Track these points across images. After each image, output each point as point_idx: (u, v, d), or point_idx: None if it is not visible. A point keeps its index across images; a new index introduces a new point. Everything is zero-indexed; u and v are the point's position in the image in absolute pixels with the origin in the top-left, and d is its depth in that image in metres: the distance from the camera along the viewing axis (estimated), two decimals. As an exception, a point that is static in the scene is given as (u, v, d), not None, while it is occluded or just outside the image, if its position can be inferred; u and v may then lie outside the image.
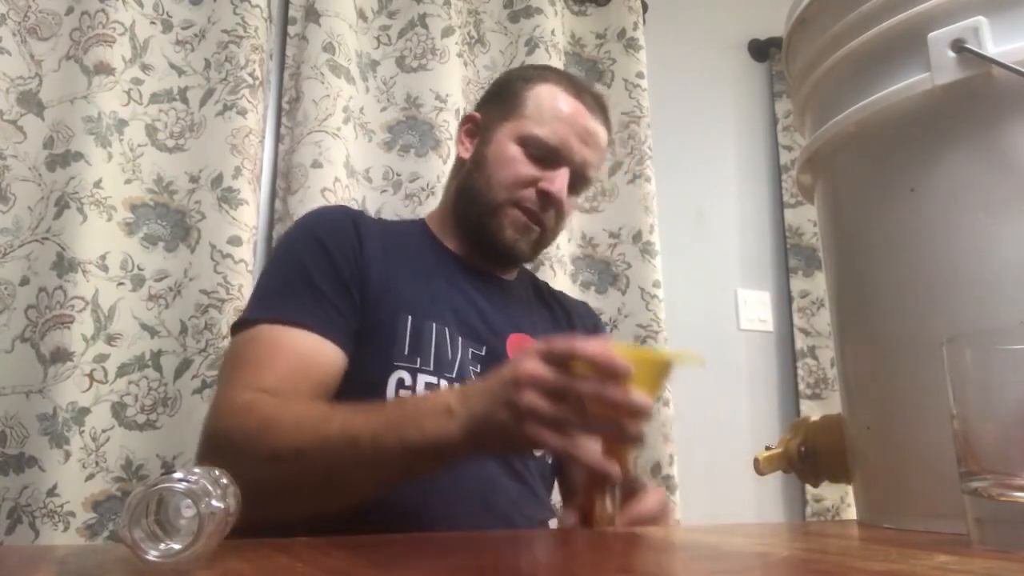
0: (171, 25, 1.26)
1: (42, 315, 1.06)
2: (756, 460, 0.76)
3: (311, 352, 0.78)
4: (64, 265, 1.07)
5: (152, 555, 0.35)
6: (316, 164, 1.25)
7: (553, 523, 1.01)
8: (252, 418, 0.71)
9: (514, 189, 0.91)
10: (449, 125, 1.38)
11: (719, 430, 1.62)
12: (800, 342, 1.72)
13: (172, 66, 1.25)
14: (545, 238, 0.95)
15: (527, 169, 0.91)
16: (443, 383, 0.83)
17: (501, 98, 0.98)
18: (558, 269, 1.42)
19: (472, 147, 0.97)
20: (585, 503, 0.65)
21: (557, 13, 1.60)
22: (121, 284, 1.13)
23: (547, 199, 0.91)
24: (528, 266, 1.27)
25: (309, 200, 1.21)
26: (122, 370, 1.10)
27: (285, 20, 1.40)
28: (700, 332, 1.66)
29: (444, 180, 1.21)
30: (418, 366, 0.82)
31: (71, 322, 1.05)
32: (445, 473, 0.79)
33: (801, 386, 1.70)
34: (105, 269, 1.11)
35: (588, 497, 0.64)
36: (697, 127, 1.80)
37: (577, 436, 0.58)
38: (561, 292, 1.13)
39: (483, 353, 0.88)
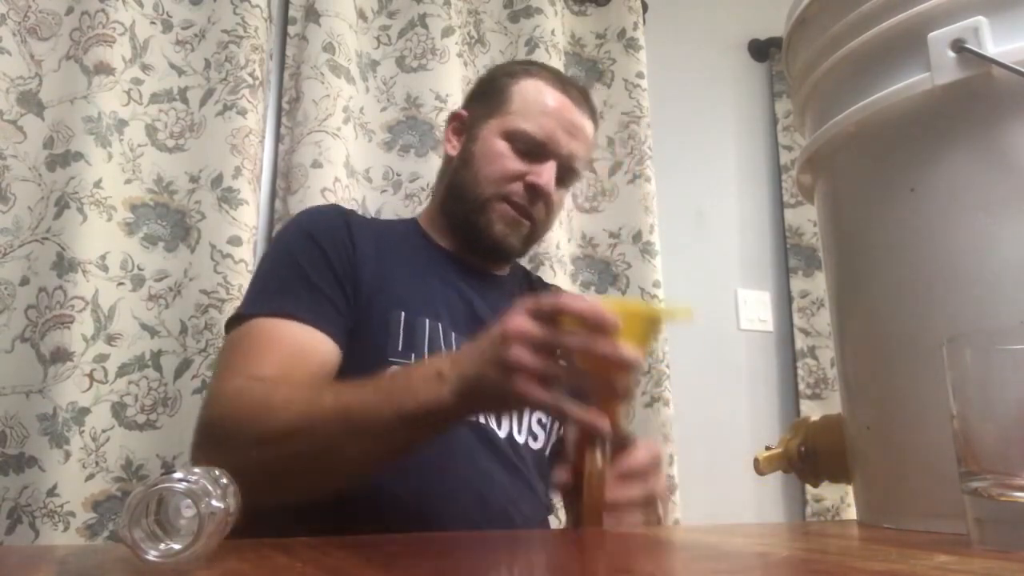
0: (171, 25, 1.26)
1: (42, 315, 1.06)
2: (756, 460, 0.76)
3: (305, 343, 0.79)
4: (64, 265, 1.07)
5: (152, 555, 0.35)
6: (316, 164, 1.25)
7: (553, 522, 1.02)
8: (243, 402, 0.71)
9: (502, 184, 0.91)
10: (449, 125, 1.38)
11: (719, 430, 1.62)
12: (800, 342, 1.72)
13: (172, 66, 1.25)
14: (535, 232, 0.96)
15: (514, 164, 0.92)
16: None
17: (487, 95, 0.99)
18: (558, 269, 1.42)
19: (459, 144, 0.98)
20: (576, 459, 0.64)
21: (557, 13, 1.60)
22: (121, 284, 1.13)
23: (535, 192, 0.91)
24: (528, 266, 1.27)
25: (309, 200, 1.21)
26: (122, 370, 1.10)
27: (285, 20, 1.40)
28: (700, 332, 1.66)
29: (444, 180, 1.21)
30: (412, 362, 0.83)
31: (71, 322, 1.05)
32: (440, 470, 0.79)
33: (801, 386, 1.70)
34: (105, 269, 1.11)
35: (579, 453, 0.64)
36: (697, 127, 1.80)
37: (566, 391, 0.58)
38: (555, 286, 1.13)
39: None
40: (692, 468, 1.49)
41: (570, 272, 1.50)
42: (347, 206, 1.24)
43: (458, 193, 0.95)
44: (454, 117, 1.02)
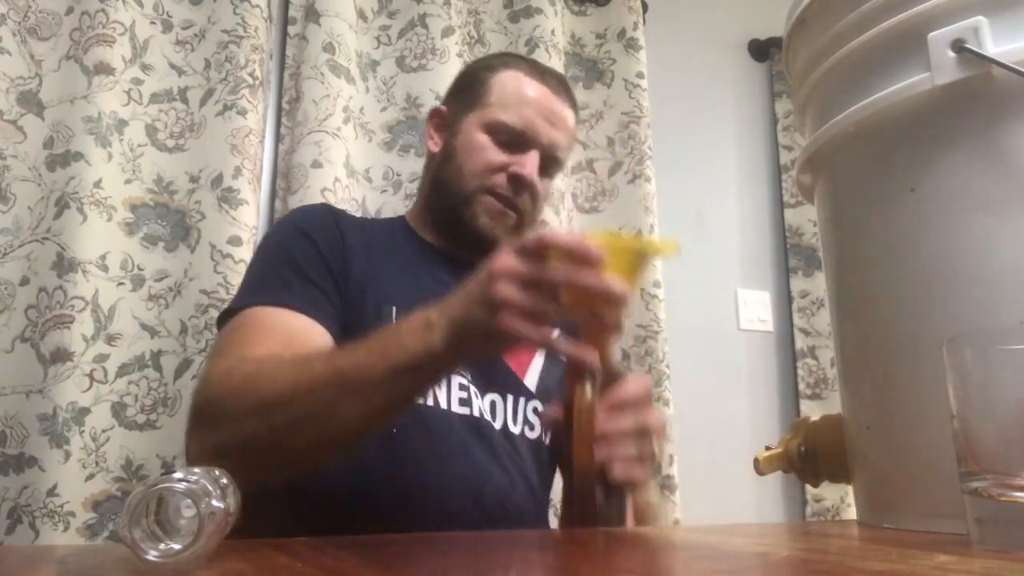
0: (171, 25, 1.26)
1: (42, 315, 1.06)
2: (756, 460, 0.76)
3: (299, 329, 0.78)
4: (64, 265, 1.07)
5: (152, 555, 0.35)
6: (316, 164, 1.25)
7: (553, 521, 1.01)
8: (234, 378, 0.70)
9: (485, 176, 0.91)
10: (449, 125, 1.38)
11: (719, 430, 1.62)
12: (800, 342, 1.72)
13: (172, 66, 1.25)
14: (522, 223, 0.95)
15: (496, 155, 0.92)
16: None
17: (466, 89, 0.99)
18: (558, 269, 1.42)
19: (441, 140, 0.98)
20: (567, 395, 0.64)
21: (557, 13, 1.60)
22: (121, 284, 1.13)
23: (519, 183, 0.91)
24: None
25: (309, 200, 1.21)
26: (122, 370, 1.10)
27: (285, 20, 1.40)
28: (700, 332, 1.66)
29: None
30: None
31: (71, 322, 1.05)
32: (435, 465, 0.79)
33: (801, 386, 1.70)
34: (105, 269, 1.11)
35: (569, 389, 0.64)
36: (697, 127, 1.79)
37: (554, 326, 0.57)
38: None
39: None
40: (692, 468, 1.49)
41: (570, 272, 1.49)
42: (347, 206, 1.24)
43: (442, 188, 0.95)
44: (434, 113, 1.02)
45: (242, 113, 1.21)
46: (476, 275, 0.59)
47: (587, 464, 0.63)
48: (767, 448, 0.77)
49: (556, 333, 0.59)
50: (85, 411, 1.05)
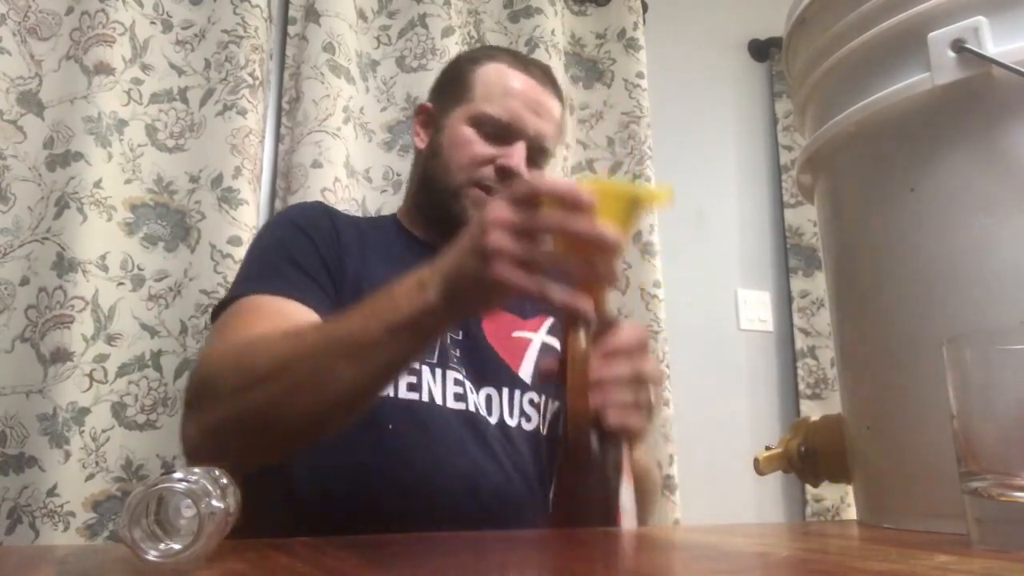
0: (171, 25, 1.26)
1: (42, 315, 1.06)
2: (756, 460, 0.76)
3: (293, 315, 0.78)
4: (64, 265, 1.07)
5: (152, 555, 0.35)
6: (316, 164, 1.25)
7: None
8: (229, 355, 0.70)
9: (472, 169, 0.91)
10: (449, 125, 1.38)
11: (719, 430, 1.62)
12: (800, 342, 1.72)
13: (172, 66, 1.25)
14: None
15: (483, 148, 0.91)
16: (425, 369, 0.83)
17: (450, 84, 0.99)
18: (558, 269, 1.42)
19: (428, 137, 0.98)
20: (561, 345, 0.63)
21: (557, 13, 1.60)
22: (121, 284, 1.13)
23: (507, 175, 0.91)
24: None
25: (309, 200, 1.21)
26: (122, 370, 1.10)
27: (285, 20, 1.40)
28: (700, 332, 1.66)
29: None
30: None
31: (71, 322, 1.05)
32: (432, 463, 0.79)
33: (801, 386, 1.70)
34: (105, 269, 1.11)
35: (563, 338, 0.63)
36: (697, 127, 1.79)
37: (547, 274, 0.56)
38: None
39: (460, 337, 0.89)
40: (692, 468, 1.49)
41: (570, 272, 1.49)
42: (347, 206, 1.24)
43: (430, 184, 0.95)
44: (420, 110, 1.02)
45: (242, 113, 1.21)
46: (468, 227, 0.58)
47: (581, 411, 0.61)
48: (767, 448, 0.77)
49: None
50: (85, 411, 1.05)
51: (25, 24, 1.18)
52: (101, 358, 1.08)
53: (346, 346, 0.61)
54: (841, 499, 1.63)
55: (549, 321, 0.97)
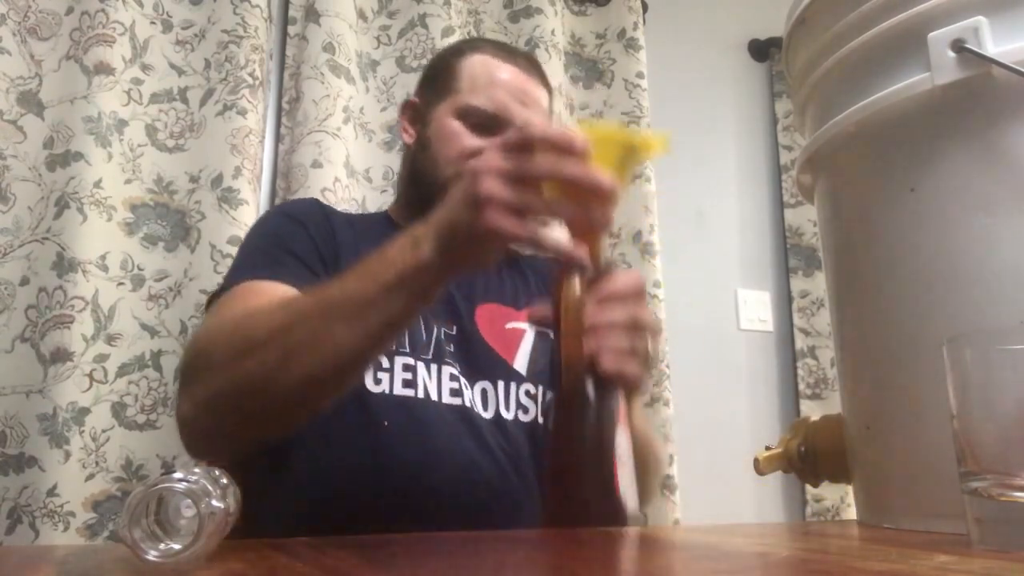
0: (171, 25, 1.26)
1: (42, 315, 1.06)
2: (756, 460, 0.76)
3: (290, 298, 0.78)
4: (64, 265, 1.07)
5: (152, 555, 0.35)
6: (316, 164, 1.25)
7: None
8: (224, 327, 0.69)
9: (460, 162, 0.90)
10: (449, 125, 1.38)
11: (719, 430, 1.62)
12: (800, 342, 1.72)
13: (172, 66, 1.25)
14: None
15: (470, 140, 0.91)
16: (420, 364, 0.83)
17: (435, 78, 0.98)
18: (558, 269, 1.42)
19: (415, 132, 0.98)
20: (555, 293, 0.62)
21: (557, 13, 1.60)
22: (121, 284, 1.13)
23: None
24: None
25: (309, 200, 1.21)
26: (122, 370, 1.10)
27: (285, 20, 1.40)
28: (700, 332, 1.66)
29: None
30: (394, 348, 0.82)
31: (71, 322, 1.05)
32: (427, 460, 0.78)
33: (801, 386, 1.70)
34: (105, 269, 1.11)
35: (558, 286, 0.62)
36: (697, 127, 1.80)
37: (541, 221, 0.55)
38: (536, 257, 1.12)
39: (454, 332, 0.89)
40: (692, 468, 1.49)
41: (570, 272, 1.49)
42: (347, 206, 1.24)
43: (419, 179, 0.94)
44: (407, 106, 1.01)
45: (242, 113, 1.21)
46: (460, 177, 0.57)
47: (576, 357, 0.60)
48: (767, 448, 0.77)
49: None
50: (85, 411, 1.05)
51: (25, 24, 1.18)
52: (101, 358, 1.08)
53: (342, 308, 0.61)
54: (841, 499, 1.63)
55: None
